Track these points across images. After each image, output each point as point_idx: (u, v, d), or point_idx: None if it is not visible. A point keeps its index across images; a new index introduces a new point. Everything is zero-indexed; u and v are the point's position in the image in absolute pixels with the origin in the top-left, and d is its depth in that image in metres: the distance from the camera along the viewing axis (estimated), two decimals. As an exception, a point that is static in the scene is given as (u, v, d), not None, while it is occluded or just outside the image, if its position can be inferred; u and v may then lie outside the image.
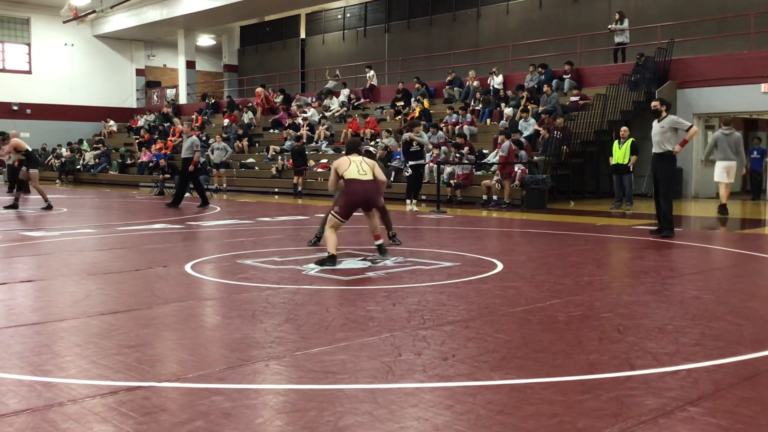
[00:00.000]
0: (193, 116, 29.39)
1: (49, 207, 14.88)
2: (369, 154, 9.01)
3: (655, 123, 10.00)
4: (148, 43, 36.87)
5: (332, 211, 7.74)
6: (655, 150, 9.92)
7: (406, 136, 15.10)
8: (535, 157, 16.49)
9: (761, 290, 6.35)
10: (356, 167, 7.75)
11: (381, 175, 7.92)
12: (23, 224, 12.17)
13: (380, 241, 8.02)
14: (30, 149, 15.42)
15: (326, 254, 7.39)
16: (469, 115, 20.25)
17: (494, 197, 16.19)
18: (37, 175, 15.20)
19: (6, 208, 14.83)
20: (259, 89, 28.71)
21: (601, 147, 17.87)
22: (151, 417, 3.09)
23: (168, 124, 30.26)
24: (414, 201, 15.26)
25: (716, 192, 14.89)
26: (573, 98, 18.65)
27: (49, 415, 3.12)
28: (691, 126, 9.87)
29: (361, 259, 7.72)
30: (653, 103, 10.18)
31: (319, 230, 8.98)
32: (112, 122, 34.13)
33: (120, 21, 33.32)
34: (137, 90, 36.87)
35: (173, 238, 10.27)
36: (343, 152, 8.69)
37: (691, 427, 3.00)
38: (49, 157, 31.48)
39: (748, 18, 18.32)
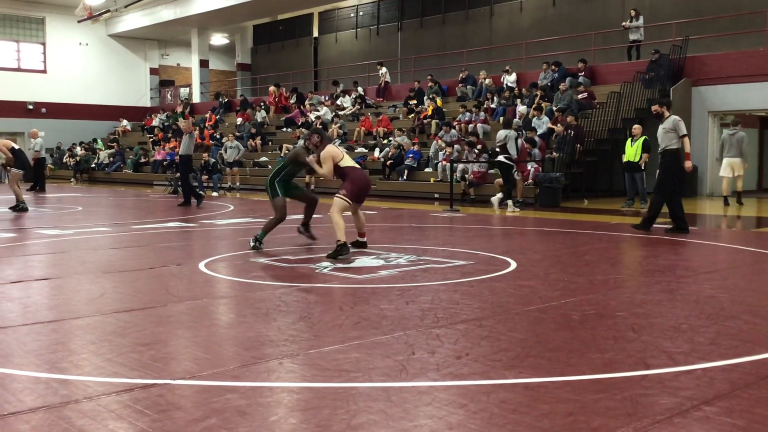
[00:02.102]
0: (207, 115, 29.49)
1: (22, 209, 14.07)
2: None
3: (660, 125, 10.12)
4: (161, 42, 37.04)
5: (339, 194, 7.76)
6: (660, 149, 10.07)
7: (509, 133, 14.73)
8: (554, 153, 16.44)
9: (777, 289, 6.29)
10: (348, 156, 7.96)
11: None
12: (39, 222, 12.26)
13: (365, 239, 8.38)
14: (17, 147, 14.89)
15: (336, 244, 7.44)
16: (482, 113, 20.22)
17: (508, 195, 16.13)
18: (19, 176, 14.71)
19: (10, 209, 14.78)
20: (271, 88, 28.78)
21: (615, 145, 17.79)
22: (166, 414, 3.11)
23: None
24: (510, 201, 14.67)
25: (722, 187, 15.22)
26: (580, 96, 18.53)
27: (65, 412, 3.14)
28: (685, 135, 9.96)
29: (374, 258, 7.72)
30: (653, 108, 10.43)
31: (260, 234, 8.48)
32: (125, 122, 34.32)
33: (134, 20, 33.50)
34: (151, 89, 37.05)
35: (187, 236, 10.32)
36: (306, 142, 8.57)
37: (706, 427, 2.98)
38: (65, 156, 31.72)
39: (764, 15, 18.17)
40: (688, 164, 9.88)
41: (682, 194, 10.32)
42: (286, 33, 34.40)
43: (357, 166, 7.93)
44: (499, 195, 14.76)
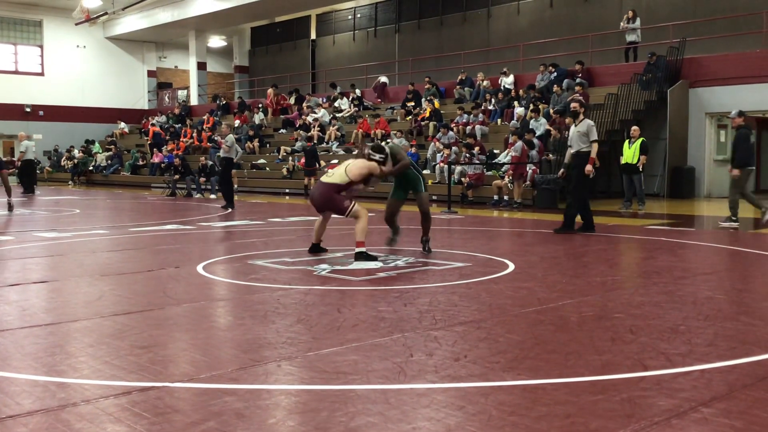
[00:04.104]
0: (204, 117, 29.50)
1: None
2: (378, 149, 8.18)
3: (573, 125, 10.40)
4: (159, 44, 37.03)
5: None
6: (573, 150, 10.32)
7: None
8: (551, 155, 16.44)
9: (775, 290, 6.30)
10: (330, 171, 7.86)
11: (356, 169, 7.73)
12: (36, 225, 12.24)
13: (359, 249, 7.61)
14: None
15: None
16: (480, 115, 20.23)
17: (505, 197, 16.16)
18: None
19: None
20: (270, 90, 28.78)
21: (613, 147, 17.80)
22: (164, 417, 3.11)
23: (179, 125, 30.38)
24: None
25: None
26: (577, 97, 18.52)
27: (63, 415, 3.13)
28: (596, 141, 10.17)
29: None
30: (572, 105, 10.53)
31: (396, 228, 8.55)
32: (123, 124, 34.29)
33: (131, 23, 33.49)
34: (149, 91, 37.03)
35: (185, 239, 10.31)
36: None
37: (704, 429, 2.98)
38: (62, 159, 31.68)
39: (761, 16, 18.21)
40: (588, 168, 10.08)
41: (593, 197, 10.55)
42: (283, 35, 34.40)
43: (322, 181, 7.84)
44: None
